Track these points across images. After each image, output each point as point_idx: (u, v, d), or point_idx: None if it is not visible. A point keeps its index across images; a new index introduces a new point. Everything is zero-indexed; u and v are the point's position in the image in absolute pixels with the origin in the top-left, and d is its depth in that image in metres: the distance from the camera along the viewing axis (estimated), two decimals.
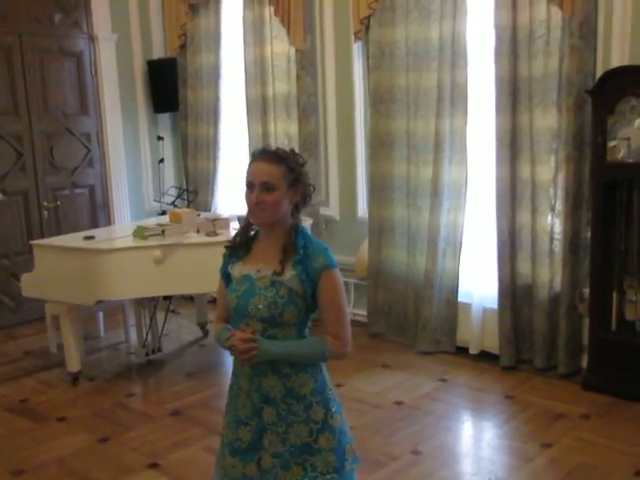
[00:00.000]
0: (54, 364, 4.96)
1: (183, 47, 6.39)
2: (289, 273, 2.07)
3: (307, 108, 5.54)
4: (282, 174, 2.07)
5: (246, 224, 2.20)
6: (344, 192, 5.58)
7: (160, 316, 5.14)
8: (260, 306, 2.06)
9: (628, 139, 3.87)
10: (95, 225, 6.24)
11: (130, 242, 4.56)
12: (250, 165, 2.11)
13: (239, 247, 2.20)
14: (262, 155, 2.10)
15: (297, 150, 5.81)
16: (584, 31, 4.06)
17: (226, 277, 2.21)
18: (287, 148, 2.21)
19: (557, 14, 4.15)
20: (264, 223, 2.12)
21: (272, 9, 5.56)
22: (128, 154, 6.59)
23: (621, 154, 3.91)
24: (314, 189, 2.20)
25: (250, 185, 2.08)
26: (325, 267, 2.08)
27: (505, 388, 4.31)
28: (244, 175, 2.13)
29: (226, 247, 2.23)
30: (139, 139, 6.69)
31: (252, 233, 2.21)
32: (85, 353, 5.00)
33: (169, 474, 3.48)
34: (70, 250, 4.49)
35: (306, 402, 2.09)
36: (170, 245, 4.42)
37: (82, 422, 4.10)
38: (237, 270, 2.16)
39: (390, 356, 4.88)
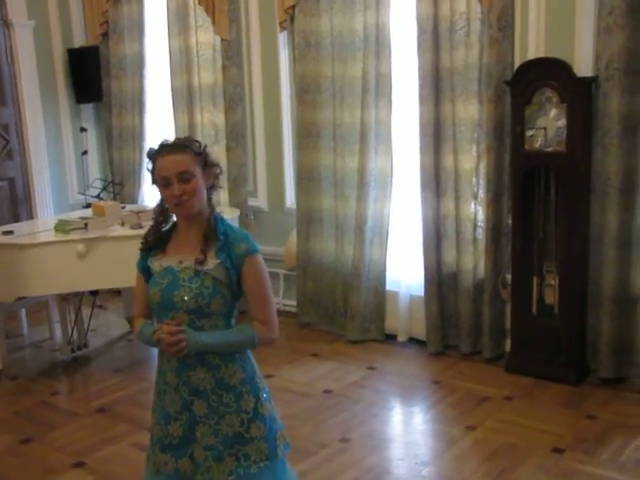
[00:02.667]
0: None
1: (105, 35, 6.23)
2: (212, 262, 2.06)
3: (233, 98, 5.50)
4: (193, 160, 2.07)
5: (157, 222, 2.18)
6: (272, 183, 5.57)
7: (86, 311, 5.03)
8: (186, 298, 2.04)
9: (545, 129, 3.99)
10: (16, 220, 6.02)
11: (51, 236, 4.44)
12: (156, 162, 2.08)
13: (154, 244, 2.17)
14: (166, 149, 2.09)
15: (224, 141, 5.74)
16: (502, 23, 4.15)
17: (145, 271, 2.17)
18: (183, 137, 2.23)
19: (476, 6, 4.24)
20: (190, 214, 2.09)
21: None
22: (50, 146, 6.38)
23: (538, 143, 4.03)
24: (221, 169, 2.19)
25: (166, 181, 2.06)
26: (248, 252, 2.09)
27: (432, 374, 4.40)
28: (150, 176, 2.13)
29: (141, 245, 2.20)
30: (61, 130, 6.49)
31: (167, 227, 2.19)
32: (7, 351, 4.83)
33: (95, 473, 3.41)
34: None
35: (236, 392, 2.10)
36: (93, 239, 4.33)
37: (3, 423, 3.98)
38: (157, 263, 2.14)
39: (320, 345, 4.92)
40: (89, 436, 3.78)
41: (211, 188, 2.14)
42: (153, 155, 2.11)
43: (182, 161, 2.05)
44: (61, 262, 4.25)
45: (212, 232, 2.09)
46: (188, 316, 2.05)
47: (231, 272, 2.07)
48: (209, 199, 2.13)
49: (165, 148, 2.09)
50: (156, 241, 2.17)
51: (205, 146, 2.16)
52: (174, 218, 2.19)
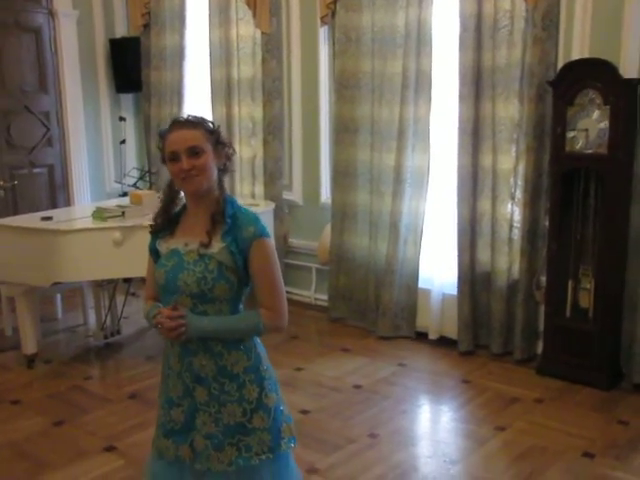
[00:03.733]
0: (9, 347, 4.87)
1: (147, 26, 6.30)
2: (217, 245, 2.01)
3: (272, 92, 5.52)
4: (204, 136, 2.03)
5: (166, 203, 2.14)
6: (307, 177, 5.58)
7: (120, 299, 5.09)
8: (189, 282, 2.00)
9: (586, 130, 3.94)
10: (54, 206, 6.13)
11: (89, 223, 4.50)
12: (167, 137, 2.04)
13: (163, 226, 2.13)
14: (178, 124, 2.05)
15: (262, 134, 5.75)
16: (546, 22, 4.11)
17: (154, 253, 2.14)
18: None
19: (521, 4, 4.19)
20: (198, 190, 2.04)
21: None
22: (89, 134, 6.48)
23: (579, 145, 3.98)
24: (234, 150, 2.16)
25: (174, 155, 2.01)
26: (256, 236, 2.02)
27: (462, 373, 4.37)
28: (159, 155, 2.09)
29: (150, 228, 2.16)
30: (100, 119, 6.58)
31: (177, 209, 2.15)
32: (42, 335, 4.93)
33: (125, 457, 3.45)
34: (27, 231, 4.40)
35: (239, 381, 2.05)
36: (130, 227, 4.37)
37: (37, 405, 4.04)
38: (164, 245, 2.11)
39: (350, 341, 4.92)
40: (120, 421, 3.83)
41: (223, 170, 2.09)
42: (164, 133, 2.07)
43: (193, 136, 2.01)
44: (98, 249, 4.30)
45: (220, 214, 2.03)
46: (191, 300, 2.01)
47: (237, 257, 2.01)
48: (220, 181, 2.08)
49: (176, 124, 2.06)
50: (164, 223, 2.12)
51: (218, 126, 2.12)
52: (184, 200, 2.14)
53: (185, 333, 1.98)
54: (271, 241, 2.08)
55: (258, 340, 2.13)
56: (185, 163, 1.99)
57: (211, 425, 2.05)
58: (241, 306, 2.11)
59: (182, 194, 2.13)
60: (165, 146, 2.05)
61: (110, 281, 4.86)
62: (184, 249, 2.05)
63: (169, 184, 2.13)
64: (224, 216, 2.03)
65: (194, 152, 2.00)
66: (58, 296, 5.53)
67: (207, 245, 2.01)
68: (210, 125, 2.08)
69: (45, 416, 3.90)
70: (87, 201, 6.34)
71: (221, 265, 2.00)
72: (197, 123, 2.05)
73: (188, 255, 2.03)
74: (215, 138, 2.06)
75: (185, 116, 2.11)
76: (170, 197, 2.14)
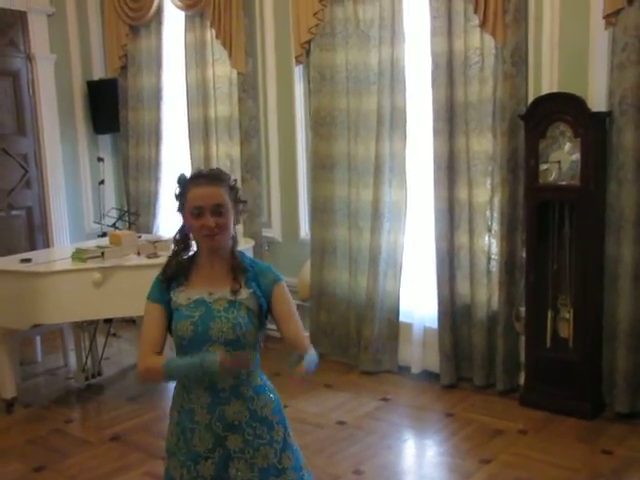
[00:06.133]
0: None
1: (124, 68, 6.36)
2: (245, 292, 2.08)
3: (249, 130, 5.58)
4: (227, 193, 2.08)
5: (177, 251, 2.17)
6: (286, 214, 5.61)
7: (100, 340, 5.05)
8: (225, 329, 2.03)
9: (559, 162, 4.02)
10: (33, 248, 6.10)
11: (68, 264, 4.49)
12: (189, 191, 2.08)
13: (175, 276, 2.14)
14: (203, 179, 2.09)
15: (239, 172, 5.79)
16: (515, 59, 4.21)
17: (165, 305, 2.12)
18: (223, 169, 2.25)
19: (490, 42, 4.30)
20: (219, 248, 2.10)
21: (214, 32, 5.59)
22: (67, 175, 6.48)
23: (552, 177, 4.06)
24: (246, 202, 2.23)
25: (199, 211, 2.05)
26: (275, 281, 2.13)
27: (446, 406, 4.37)
28: (176, 202, 2.13)
29: (160, 279, 2.15)
30: (79, 160, 6.60)
31: (185, 257, 2.18)
32: (21, 379, 4.87)
33: None
34: (6, 273, 4.38)
35: (268, 423, 2.10)
36: (110, 267, 4.37)
37: (16, 451, 3.98)
38: (183, 296, 2.10)
39: (333, 376, 4.90)
40: (102, 465, 3.77)
41: (236, 223, 2.16)
42: (186, 182, 2.10)
43: (219, 194, 2.06)
44: (78, 290, 4.28)
45: (240, 264, 2.11)
46: (224, 348, 2.02)
47: (262, 300, 2.10)
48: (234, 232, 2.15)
49: (202, 178, 2.10)
50: (177, 271, 2.14)
51: (236, 180, 2.18)
52: (194, 248, 2.19)
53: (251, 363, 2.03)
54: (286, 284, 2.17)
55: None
56: (211, 221, 2.04)
57: (247, 471, 2.07)
58: (258, 352, 2.15)
59: (194, 243, 2.17)
60: (188, 199, 2.07)
61: (91, 322, 4.83)
62: (210, 298, 2.08)
63: (182, 233, 2.16)
64: (245, 265, 2.11)
65: (218, 211, 2.05)
66: (38, 338, 5.46)
67: (238, 291, 2.06)
68: (232, 182, 2.14)
69: (24, 462, 3.83)
70: (66, 242, 6.32)
71: (249, 310, 2.08)
72: (222, 179, 2.10)
73: (216, 303, 2.07)
74: (235, 194, 2.12)
75: (209, 170, 2.17)
76: (184, 246, 2.17)
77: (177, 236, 2.19)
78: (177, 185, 2.13)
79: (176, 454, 2.12)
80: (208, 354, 2.01)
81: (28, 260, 4.57)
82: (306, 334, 2.20)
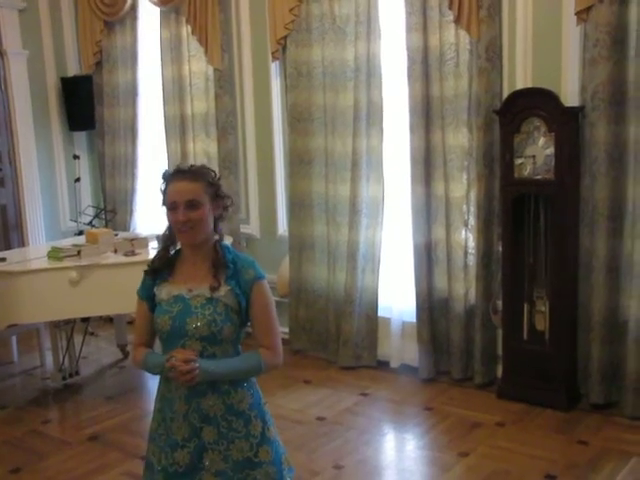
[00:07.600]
0: None
1: (99, 64, 6.30)
2: (224, 289, 2.10)
3: (226, 127, 5.55)
4: (203, 190, 2.10)
5: (165, 245, 2.21)
6: (264, 210, 5.61)
7: (78, 339, 5.01)
8: (199, 324, 2.07)
9: (534, 157, 4.06)
10: (8, 247, 6.02)
11: (44, 263, 4.44)
12: (168, 186, 2.12)
13: (161, 269, 2.19)
14: (180, 174, 2.13)
15: (217, 169, 5.79)
16: (490, 54, 4.24)
17: (149, 300, 2.19)
18: (199, 165, 2.25)
19: (465, 38, 4.32)
20: (192, 242, 2.12)
21: (189, 28, 5.56)
22: (42, 173, 6.40)
23: (527, 171, 4.10)
24: (232, 201, 2.24)
25: (173, 205, 2.09)
26: (256, 279, 2.14)
27: (424, 400, 4.40)
28: (160, 197, 2.15)
29: (146, 271, 2.22)
30: (54, 158, 6.52)
31: (172, 253, 2.22)
32: None
33: None
34: None
35: (245, 417, 2.12)
36: (86, 266, 4.33)
37: None
38: (165, 291, 2.16)
39: (312, 372, 4.91)
40: (80, 465, 3.75)
41: (219, 218, 2.18)
42: (167, 178, 2.14)
43: (192, 189, 2.09)
44: (54, 289, 4.25)
45: (221, 260, 2.12)
46: (200, 343, 2.08)
47: (240, 298, 2.11)
48: (216, 227, 2.17)
49: (179, 173, 2.13)
50: (163, 266, 2.19)
51: (219, 177, 2.20)
52: (179, 245, 2.22)
53: (197, 376, 2.03)
54: (267, 283, 2.18)
55: (254, 378, 2.22)
56: (181, 215, 2.07)
57: (220, 463, 2.11)
58: (240, 347, 2.19)
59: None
60: (167, 194, 2.12)
61: (67, 321, 4.78)
62: (189, 294, 2.12)
63: (169, 227, 2.19)
64: (226, 261, 2.12)
65: (191, 205, 2.07)
66: (14, 338, 5.41)
67: (216, 288, 2.08)
68: (211, 177, 2.15)
69: (1, 464, 3.79)
70: (42, 241, 6.25)
71: (227, 307, 2.09)
72: (199, 176, 2.13)
73: (194, 300, 2.11)
74: (214, 190, 2.14)
75: (188, 165, 2.19)
76: (169, 241, 2.21)
77: (165, 232, 2.22)
78: (162, 181, 2.17)
79: (156, 440, 2.19)
80: (152, 355, 2.17)
81: (3, 259, 4.53)
82: (281, 334, 2.23)
